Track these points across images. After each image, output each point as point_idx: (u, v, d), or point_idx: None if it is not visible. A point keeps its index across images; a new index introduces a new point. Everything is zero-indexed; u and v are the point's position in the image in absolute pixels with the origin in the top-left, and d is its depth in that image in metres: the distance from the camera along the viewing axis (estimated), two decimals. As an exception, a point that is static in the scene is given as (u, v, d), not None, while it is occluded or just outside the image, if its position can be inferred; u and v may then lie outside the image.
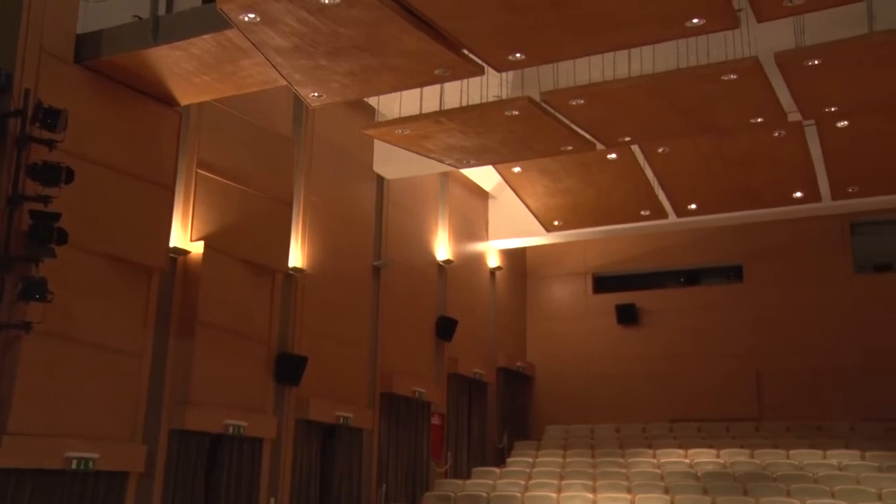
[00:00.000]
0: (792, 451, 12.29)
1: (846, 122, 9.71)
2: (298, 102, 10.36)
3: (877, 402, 13.42)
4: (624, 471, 12.22)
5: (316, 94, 7.92)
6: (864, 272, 14.54)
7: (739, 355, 14.75)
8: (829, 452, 12.06)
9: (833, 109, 9.01)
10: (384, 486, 11.41)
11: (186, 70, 7.86)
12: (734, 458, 12.36)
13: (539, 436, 15.40)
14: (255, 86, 8.16)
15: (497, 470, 13.15)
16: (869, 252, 14.66)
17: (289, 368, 9.92)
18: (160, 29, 7.44)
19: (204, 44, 7.32)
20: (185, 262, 8.92)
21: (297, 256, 10.48)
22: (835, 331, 14.13)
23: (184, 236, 8.92)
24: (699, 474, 11.65)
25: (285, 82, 7.61)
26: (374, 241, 12.23)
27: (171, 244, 8.69)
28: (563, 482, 11.93)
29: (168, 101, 8.48)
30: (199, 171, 9.11)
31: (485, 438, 14.42)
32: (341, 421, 10.60)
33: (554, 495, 11.41)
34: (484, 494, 11.65)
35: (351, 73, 7.47)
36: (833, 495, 10.28)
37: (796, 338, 14.37)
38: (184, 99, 8.57)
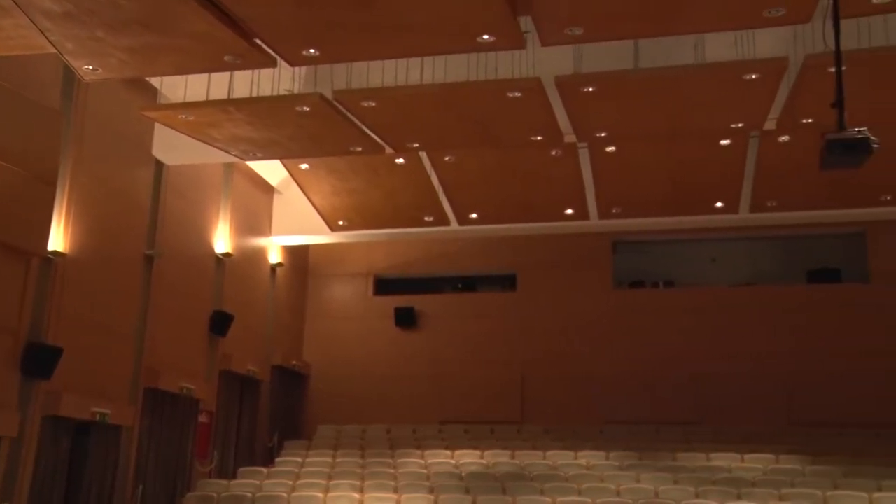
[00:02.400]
0: (548, 453, 13.08)
1: (613, 148, 10.55)
2: (70, 73, 9.54)
3: (622, 406, 14.63)
4: (392, 471, 12.41)
5: (90, 68, 7.35)
6: (621, 288, 15.80)
7: (508, 361, 15.48)
8: (579, 453, 12.95)
9: (603, 135, 9.74)
10: (141, 486, 10.78)
11: (-69, 22, 6.98)
12: (496, 458, 12.94)
13: (311, 435, 15.27)
14: (16, 49, 7.37)
15: (265, 470, 12.87)
16: (626, 269, 15.96)
17: (39, 360, 9.08)
18: None
19: (-45, -5, 6.54)
20: (-80, 237, 7.93)
21: (58, 240, 9.64)
22: (593, 341, 15.21)
23: (-80, 209, 7.92)
24: (463, 474, 12.08)
25: (54, 50, 6.99)
26: (148, 228, 11.54)
27: None
28: (332, 482, 11.91)
29: None
30: (-56, 137, 8.14)
31: (254, 437, 14.07)
32: (97, 418, 9.88)
33: (321, 495, 11.35)
34: (249, 495, 11.35)
35: (131, 50, 7.01)
36: (580, 493, 11.05)
37: (559, 346, 15.31)
38: (-72, 55, 7.61)
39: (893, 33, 7.80)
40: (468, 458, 13.00)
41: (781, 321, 14.56)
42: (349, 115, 9.04)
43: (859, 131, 6.20)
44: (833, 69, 6.43)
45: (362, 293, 16.59)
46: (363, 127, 9.37)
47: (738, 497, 10.54)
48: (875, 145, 6.19)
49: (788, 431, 13.57)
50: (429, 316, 16.11)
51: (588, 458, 12.74)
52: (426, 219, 13.04)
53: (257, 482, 12.09)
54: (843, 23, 6.48)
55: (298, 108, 8.73)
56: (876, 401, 13.63)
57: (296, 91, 9.31)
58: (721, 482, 11.17)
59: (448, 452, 13.40)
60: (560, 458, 12.76)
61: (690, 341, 14.77)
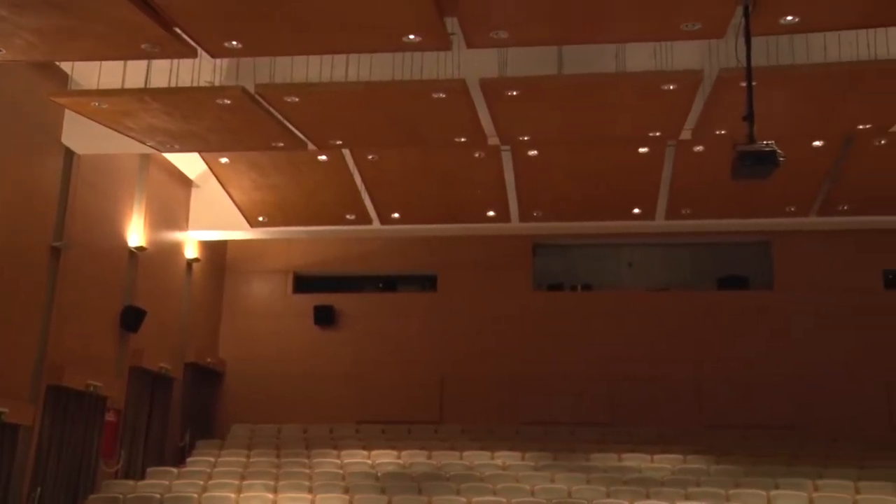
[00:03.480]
0: (465, 453, 13.13)
1: (536, 152, 10.67)
2: (-26, 54, 9.12)
3: (539, 407, 14.82)
4: (307, 471, 12.27)
5: (-5, 49, 7.03)
6: (540, 290, 16.01)
7: (427, 361, 15.49)
8: (496, 454, 13.05)
9: (526, 139, 9.85)
10: (39, 489, 10.34)
11: None
12: (413, 458, 12.93)
13: (224, 435, 14.96)
14: (-85, 26, 7.02)
15: (175, 470, 12.54)
16: (546, 272, 16.18)
17: (-65, 355, 8.66)
18: None
19: None
20: None
21: (-43, 228, 9.20)
22: (512, 342, 15.35)
23: None
24: (379, 474, 12.03)
25: (-45, 28, 6.66)
26: (56, 219, 11.09)
27: None
28: (245, 482, 11.69)
29: None
30: None
31: (165, 437, 13.69)
32: (-6, 416, 9.46)
33: (233, 496, 11.13)
34: (157, 496, 11.04)
35: (40, 32, 6.73)
36: (495, 493, 11.14)
37: (478, 346, 15.40)
38: None
39: (799, 53, 8.14)
40: (385, 458, 12.95)
41: (693, 326, 15.00)
42: (271, 109, 8.89)
43: (768, 144, 6.45)
44: (745, 84, 6.67)
45: (281, 291, 16.35)
46: (286, 122, 9.24)
47: (647, 496, 10.80)
48: (782, 158, 6.44)
49: (697, 433, 13.99)
50: (348, 315, 16.00)
51: (504, 458, 12.85)
52: (348, 217, 12.95)
53: (167, 482, 11.77)
54: (754, 41, 6.72)
55: (219, 101, 8.55)
56: (779, 404, 14.22)
57: (217, 83, 9.11)
58: (632, 482, 11.43)
59: (365, 452, 13.32)
60: (476, 459, 12.83)
61: (607, 344, 15.06)
